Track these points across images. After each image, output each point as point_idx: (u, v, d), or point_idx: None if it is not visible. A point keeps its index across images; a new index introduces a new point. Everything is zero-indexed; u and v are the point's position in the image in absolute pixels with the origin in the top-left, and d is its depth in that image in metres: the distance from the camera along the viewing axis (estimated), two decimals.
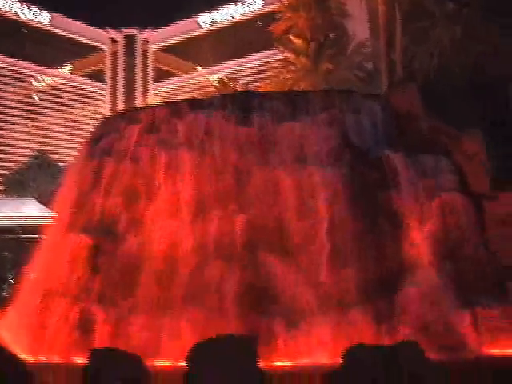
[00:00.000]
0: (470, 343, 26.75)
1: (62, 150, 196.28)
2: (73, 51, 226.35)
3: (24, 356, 27.68)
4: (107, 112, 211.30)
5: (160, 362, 26.17)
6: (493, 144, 31.31)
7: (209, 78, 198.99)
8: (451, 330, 26.91)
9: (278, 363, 25.53)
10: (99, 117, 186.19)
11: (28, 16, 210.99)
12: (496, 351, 26.23)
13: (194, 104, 36.07)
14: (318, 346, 26.64)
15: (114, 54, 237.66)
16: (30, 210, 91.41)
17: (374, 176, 30.42)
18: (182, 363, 23.21)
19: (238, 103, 33.61)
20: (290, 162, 31.01)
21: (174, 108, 35.57)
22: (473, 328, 27.07)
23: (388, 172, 30.46)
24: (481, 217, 30.03)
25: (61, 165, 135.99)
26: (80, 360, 26.20)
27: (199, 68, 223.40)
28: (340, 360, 20.99)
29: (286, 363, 25.79)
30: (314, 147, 31.55)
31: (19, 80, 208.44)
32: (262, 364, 22.45)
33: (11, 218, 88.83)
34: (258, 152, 31.50)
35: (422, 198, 30.06)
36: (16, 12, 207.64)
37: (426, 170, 30.85)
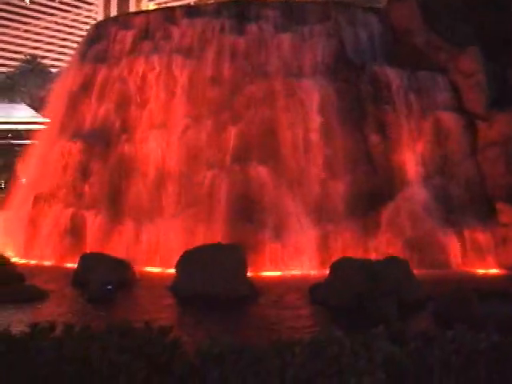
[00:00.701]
0: (454, 261, 27.17)
1: (54, 55, 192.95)
2: None
3: (16, 259, 28.07)
4: (100, 17, 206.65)
5: (150, 268, 26.55)
6: (491, 63, 30.96)
7: None
8: (437, 248, 27.23)
9: (266, 273, 25.90)
10: (92, 21, 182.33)
11: None
12: (480, 270, 26.67)
13: (189, 10, 35.35)
14: (306, 257, 27.00)
15: None
16: (21, 115, 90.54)
17: (368, 90, 30.12)
18: (171, 270, 23.68)
19: (235, 11, 32.92)
20: (285, 73, 30.63)
21: (168, 14, 34.84)
22: (458, 247, 27.42)
23: (383, 87, 30.17)
24: (473, 137, 29.96)
25: (53, 70, 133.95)
26: (71, 264, 26.60)
27: None
28: (327, 272, 21.41)
29: (274, 273, 26.15)
30: (310, 59, 31.15)
31: None
32: (250, 272, 22.94)
33: (2, 122, 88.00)
34: (252, 62, 31.05)
35: (415, 115, 29.91)
36: None
37: (421, 86, 30.57)
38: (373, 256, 25.62)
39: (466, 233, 27.70)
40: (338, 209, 28.18)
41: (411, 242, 27.12)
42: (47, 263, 28.81)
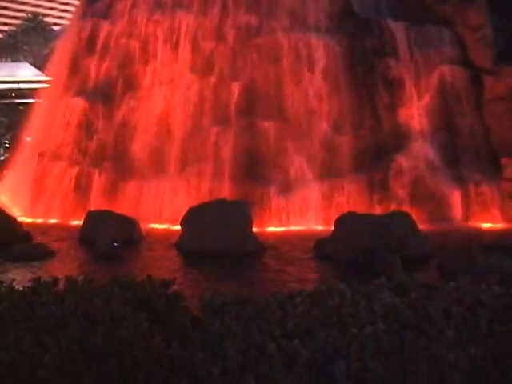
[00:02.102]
0: (459, 216, 27.23)
1: (56, 13, 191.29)
2: None
3: (22, 218, 28.19)
4: None
5: (155, 225, 26.66)
6: (497, 17, 30.56)
7: None
8: (442, 202, 27.30)
9: (271, 228, 26.01)
10: None
11: None
12: (485, 225, 26.73)
13: None
14: (311, 212, 27.09)
15: None
16: (24, 74, 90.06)
17: (373, 45, 29.82)
18: (177, 227, 23.76)
19: None
20: (290, 27, 30.33)
21: None
22: (463, 202, 27.45)
23: (388, 41, 29.87)
24: (480, 91, 29.72)
25: (55, 28, 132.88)
26: (77, 222, 26.71)
27: None
28: (332, 227, 21.45)
29: (279, 229, 26.26)
30: (315, 14, 30.79)
31: None
32: (255, 228, 23.00)
33: (5, 81, 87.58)
34: (257, 16, 30.70)
35: (420, 69, 29.66)
36: None
37: (426, 40, 30.23)
38: (378, 211, 25.71)
39: (471, 187, 27.71)
40: (343, 164, 28.17)
41: (416, 196, 27.17)
42: (53, 221, 28.96)
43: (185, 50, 30.90)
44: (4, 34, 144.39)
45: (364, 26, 30.27)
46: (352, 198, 27.09)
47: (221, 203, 22.34)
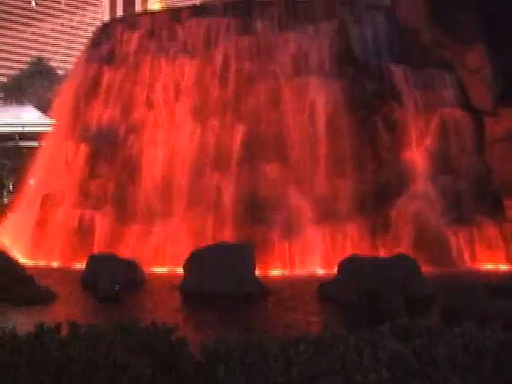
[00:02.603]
0: (462, 258, 27.09)
1: (61, 57, 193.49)
2: None
3: (24, 260, 28.12)
4: (106, 18, 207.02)
5: (158, 268, 26.55)
6: (496, 59, 30.81)
7: None
8: (445, 245, 27.17)
9: (274, 271, 25.89)
10: (98, 23, 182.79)
11: None
12: (489, 266, 26.59)
13: (195, 10, 35.36)
14: (314, 256, 26.98)
15: None
16: (28, 117, 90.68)
17: (374, 88, 30.06)
18: (179, 270, 23.67)
19: (240, 10, 32.94)
20: (291, 72, 30.63)
21: (174, 14, 34.93)
22: (466, 244, 27.34)
23: (389, 85, 30.11)
24: (480, 133, 29.84)
25: (59, 71, 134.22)
26: (79, 265, 26.63)
27: None
28: (335, 270, 21.37)
29: (282, 271, 26.14)
30: (316, 58, 31.12)
31: None
32: (258, 271, 22.90)
33: (10, 124, 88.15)
34: (259, 61, 31.05)
35: (421, 112, 29.82)
36: None
37: (427, 83, 30.47)
38: (381, 253, 25.62)
39: (475, 229, 27.65)
40: (346, 207, 28.10)
41: (419, 239, 27.05)
42: (55, 264, 28.88)
43: (187, 95, 31.16)
44: (9, 77, 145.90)
45: (365, 69, 30.58)
46: (355, 241, 27.01)
47: (223, 246, 22.33)
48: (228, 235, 26.08)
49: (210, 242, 24.08)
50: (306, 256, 26.91)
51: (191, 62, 31.50)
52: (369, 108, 29.73)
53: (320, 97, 29.64)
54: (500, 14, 31.68)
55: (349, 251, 24.79)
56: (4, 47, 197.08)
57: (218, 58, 31.17)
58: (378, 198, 28.24)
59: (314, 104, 29.69)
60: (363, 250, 25.62)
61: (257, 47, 31.31)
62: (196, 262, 21.79)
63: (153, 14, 36.51)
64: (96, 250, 27.29)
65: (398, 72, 30.35)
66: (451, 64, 31.26)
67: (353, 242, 27.01)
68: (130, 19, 38.54)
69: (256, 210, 27.81)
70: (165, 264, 26.95)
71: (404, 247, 26.18)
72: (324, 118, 29.45)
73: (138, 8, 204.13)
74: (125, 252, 25.87)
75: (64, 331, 6.59)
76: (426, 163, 28.95)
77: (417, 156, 29.05)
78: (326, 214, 27.92)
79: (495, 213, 28.23)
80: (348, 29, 31.99)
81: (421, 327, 6.20)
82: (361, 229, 27.36)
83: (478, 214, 28.10)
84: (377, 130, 29.39)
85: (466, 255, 27.29)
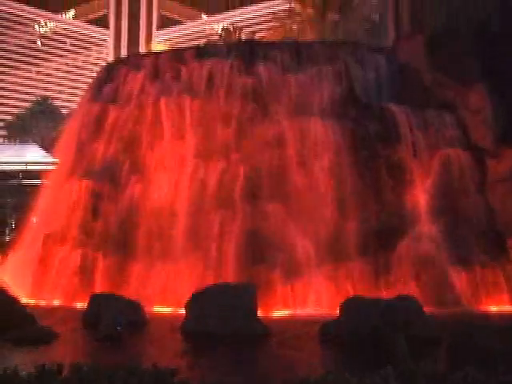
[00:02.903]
0: (465, 299, 26.96)
1: (65, 96, 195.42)
2: None
3: (26, 299, 28.02)
4: (110, 58, 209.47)
5: (160, 308, 26.45)
6: (497, 100, 31.06)
7: (214, 26, 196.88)
8: (448, 286, 27.08)
9: (277, 312, 25.76)
10: (102, 63, 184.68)
11: None
12: (492, 308, 26.44)
13: (198, 52, 35.76)
14: (316, 296, 26.87)
15: None
16: (31, 156, 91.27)
17: (376, 130, 30.28)
18: (181, 310, 23.57)
19: (243, 52, 33.34)
20: (294, 113, 30.87)
21: (178, 55, 35.32)
22: (469, 285, 27.23)
23: (391, 125, 30.33)
24: (482, 173, 29.95)
25: (63, 111, 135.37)
26: (80, 304, 26.53)
27: (204, 16, 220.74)
28: (338, 311, 21.28)
29: (285, 312, 26.01)
30: (318, 99, 31.38)
31: (22, 25, 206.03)
32: (260, 311, 22.80)
33: (13, 163, 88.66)
34: (261, 102, 31.34)
35: (423, 153, 29.99)
36: None
37: (428, 124, 30.71)
38: (384, 294, 25.48)
39: (477, 269, 27.55)
40: (349, 247, 28.08)
41: (422, 279, 26.99)
42: (57, 303, 28.78)
43: (190, 135, 31.40)
44: (13, 116, 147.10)
45: (367, 111, 30.86)
46: (358, 282, 26.93)
47: (225, 286, 22.26)
48: (230, 275, 26.03)
49: (212, 282, 24.01)
50: (309, 296, 26.79)
51: (194, 103, 31.78)
52: (371, 149, 29.90)
53: (322, 138, 29.85)
54: (501, 54, 32.06)
55: (351, 292, 24.73)
56: (9, 86, 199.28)
57: (221, 99, 31.46)
58: (380, 238, 28.23)
59: (316, 145, 29.88)
60: (366, 290, 25.52)
61: (259, 88, 31.62)
62: (198, 302, 21.70)
63: (156, 54, 36.83)
64: (98, 290, 27.19)
65: (399, 113, 30.60)
66: (452, 104, 31.53)
67: (355, 282, 26.93)
68: (134, 60, 38.93)
69: (258, 250, 27.79)
70: (167, 304, 26.84)
71: (407, 288, 26.09)
72: (326, 159, 29.59)
73: (142, 49, 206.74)
74: (127, 292, 25.78)
75: (65, 372, 6.58)
76: (428, 203, 29.00)
77: (419, 196, 29.12)
78: (329, 255, 27.88)
79: (498, 253, 28.18)
80: (350, 71, 32.34)
81: (423, 371, 6.18)
82: (363, 269, 27.31)
83: (481, 254, 28.04)
84: (379, 170, 29.53)
85: (469, 296, 27.14)
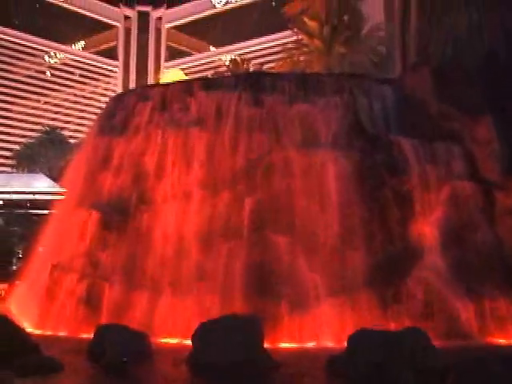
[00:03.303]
0: (474, 332, 26.76)
1: (73, 126, 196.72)
2: (86, 27, 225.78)
3: (31, 329, 27.96)
4: (119, 89, 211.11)
5: (166, 340, 26.33)
6: (504, 132, 31.10)
7: (221, 57, 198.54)
8: (456, 319, 26.91)
9: (284, 344, 25.60)
10: (111, 94, 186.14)
11: None
12: (502, 340, 26.25)
13: (206, 83, 36.01)
14: (324, 329, 26.70)
15: (127, 30, 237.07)
16: (39, 185, 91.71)
17: (384, 161, 30.33)
18: (188, 341, 23.44)
19: (250, 84, 33.54)
20: (301, 144, 30.96)
21: (186, 86, 35.54)
22: (478, 317, 27.05)
23: (398, 157, 30.38)
24: (490, 205, 29.88)
25: (72, 141, 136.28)
26: (86, 335, 26.43)
27: (212, 48, 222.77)
28: (345, 344, 21.12)
29: (292, 345, 25.85)
30: (325, 130, 31.47)
31: (32, 55, 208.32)
32: (267, 344, 22.66)
33: (21, 192, 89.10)
34: (269, 133, 31.46)
35: (431, 185, 29.95)
36: None
37: (436, 156, 30.72)
38: (391, 326, 25.32)
39: (486, 302, 27.35)
40: (356, 279, 27.94)
41: (430, 311, 26.83)
42: (63, 334, 28.69)
43: (197, 166, 31.47)
44: (22, 145, 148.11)
45: (374, 142, 30.93)
46: (365, 314, 26.75)
47: (232, 318, 22.12)
48: (237, 307, 25.88)
49: (218, 314, 23.89)
50: (316, 329, 26.64)
51: (202, 134, 31.92)
52: (378, 180, 29.92)
53: (330, 168, 29.87)
54: (507, 86, 32.19)
55: (359, 324, 24.49)
56: (18, 115, 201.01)
57: (229, 130, 31.59)
58: (388, 270, 28.10)
59: (323, 176, 29.89)
60: (373, 322, 25.37)
61: (267, 119, 31.76)
62: (204, 333, 21.58)
63: (165, 86, 37.10)
64: (104, 321, 27.11)
65: (407, 144, 30.64)
66: (460, 136, 31.52)
67: (363, 314, 26.76)
68: (143, 91, 39.27)
69: (265, 282, 27.69)
70: (174, 335, 26.74)
71: (414, 320, 25.93)
72: (334, 190, 29.57)
73: (151, 80, 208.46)
74: (133, 322, 25.68)
75: None
76: (435, 235, 28.88)
77: (427, 228, 29.03)
78: (336, 287, 27.75)
79: (508, 286, 28.00)
80: (357, 102, 32.47)
81: None
82: (371, 301, 27.15)
83: (489, 286, 27.86)
84: (386, 202, 29.50)
85: (478, 329, 26.94)
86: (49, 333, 28.73)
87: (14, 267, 61.21)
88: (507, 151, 30.79)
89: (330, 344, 25.48)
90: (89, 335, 25.12)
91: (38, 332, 28.21)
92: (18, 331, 23.15)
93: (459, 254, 28.82)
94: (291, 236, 28.81)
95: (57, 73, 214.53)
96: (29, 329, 27.44)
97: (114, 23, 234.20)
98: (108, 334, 23.17)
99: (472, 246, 29.12)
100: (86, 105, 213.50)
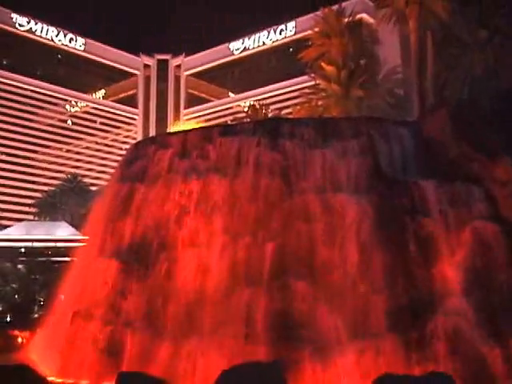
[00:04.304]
0: (500, 376, 26.29)
1: (94, 174, 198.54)
2: (106, 76, 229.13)
3: (52, 378, 27.87)
4: (139, 137, 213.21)
5: None
6: None
7: (240, 103, 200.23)
8: (482, 362, 26.46)
9: None
10: (131, 141, 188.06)
11: (63, 42, 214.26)
12: None
13: (225, 130, 36.31)
14: (347, 374, 26.38)
15: (147, 78, 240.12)
16: (61, 233, 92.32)
17: (404, 203, 30.22)
18: None
19: (269, 129, 33.73)
20: (320, 188, 30.99)
21: (205, 133, 35.84)
22: (504, 361, 26.59)
23: (418, 200, 30.27)
24: None
25: (93, 188, 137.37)
26: (108, 383, 26.31)
27: (231, 94, 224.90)
28: None
29: None
30: (345, 174, 31.50)
31: (54, 104, 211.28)
32: None
33: (43, 240, 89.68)
34: (288, 178, 31.55)
35: (452, 226, 29.74)
36: (51, 38, 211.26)
37: (456, 197, 30.56)
38: (416, 371, 24.97)
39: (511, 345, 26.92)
40: (378, 324, 27.66)
41: (454, 355, 26.42)
42: (84, 382, 28.57)
43: (218, 213, 31.56)
44: (44, 193, 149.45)
45: (393, 185, 30.87)
46: (388, 359, 26.38)
47: (254, 365, 21.98)
48: (259, 354, 25.70)
49: (240, 360, 23.72)
50: (339, 374, 26.32)
51: (222, 180, 32.08)
52: (399, 223, 29.76)
53: (349, 213, 29.82)
54: None
55: (382, 369, 24.20)
56: (40, 164, 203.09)
57: (249, 176, 31.73)
58: (410, 313, 27.79)
59: (343, 220, 29.84)
60: (397, 367, 25.06)
61: (286, 164, 31.89)
62: (227, 381, 21.43)
63: (184, 133, 37.45)
64: (126, 369, 27.01)
65: (426, 187, 30.53)
66: (479, 177, 31.41)
67: (386, 359, 26.40)
68: (162, 138, 39.61)
69: (287, 328, 27.51)
70: (196, 383, 26.54)
71: (439, 364, 25.57)
72: (354, 234, 29.49)
73: (170, 127, 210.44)
74: (155, 370, 25.59)
75: None
76: (458, 278, 28.58)
77: (449, 271, 28.76)
78: (358, 331, 27.48)
79: None
80: (375, 145, 32.54)
81: None
82: (394, 346, 26.80)
83: None
84: (407, 245, 29.30)
85: (505, 372, 26.45)
86: (70, 381, 28.63)
87: (36, 315, 61.29)
88: None
89: None
90: (110, 383, 25.02)
91: (59, 380, 28.13)
92: (40, 380, 23.13)
93: (483, 296, 28.47)
94: (312, 281, 28.67)
95: (78, 121, 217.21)
96: (50, 377, 27.36)
97: (133, 71, 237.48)
98: (130, 381, 23.08)
99: (495, 287, 28.78)
100: (108, 152, 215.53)
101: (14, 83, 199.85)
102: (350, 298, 28.37)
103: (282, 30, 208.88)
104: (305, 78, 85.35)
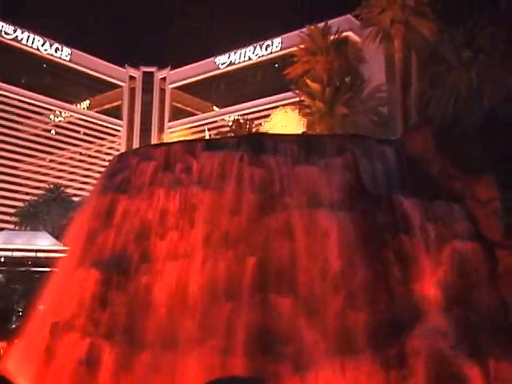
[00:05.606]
0: None
1: (77, 185, 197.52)
2: (91, 87, 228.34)
3: None
4: (123, 148, 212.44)
5: None
6: (505, 191, 31.18)
7: (224, 118, 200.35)
8: (460, 380, 26.52)
9: None
10: (115, 152, 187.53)
11: (49, 51, 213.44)
12: None
13: (208, 143, 36.36)
14: None
15: (132, 90, 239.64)
16: (41, 243, 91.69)
17: (386, 221, 30.32)
18: None
19: (253, 144, 33.77)
20: (303, 204, 31.03)
21: (189, 147, 35.82)
22: (483, 379, 26.66)
23: (400, 217, 30.39)
24: (493, 265, 29.76)
25: (75, 199, 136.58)
26: None
27: (215, 108, 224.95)
28: None
29: None
30: (327, 191, 31.56)
31: (38, 114, 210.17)
32: None
33: (23, 249, 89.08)
34: (271, 194, 31.57)
35: (433, 245, 29.87)
36: (37, 47, 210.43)
37: (437, 216, 30.71)
38: None
39: (491, 363, 26.98)
40: (358, 340, 27.68)
41: (433, 373, 26.46)
42: None
43: (200, 226, 31.52)
44: (25, 203, 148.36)
45: (376, 202, 30.97)
46: (368, 375, 26.42)
47: (234, 380, 21.93)
48: (238, 368, 25.64)
49: (220, 375, 23.67)
50: None
51: (204, 194, 32.05)
52: (380, 240, 29.86)
53: (331, 229, 29.86)
54: (508, 145, 32.38)
55: None
56: (22, 173, 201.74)
57: (231, 190, 31.72)
58: (390, 330, 27.84)
59: (325, 236, 29.88)
60: (376, 383, 25.06)
61: (269, 180, 31.92)
62: None
63: (168, 145, 37.42)
64: (105, 380, 26.83)
65: (409, 204, 30.64)
66: (461, 195, 31.58)
67: (366, 376, 26.43)
68: (146, 150, 39.49)
69: (267, 343, 27.45)
70: None
71: (418, 381, 25.60)
72: (335, 250, 29.52)
73: (154, 139, 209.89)
74: (134, 382, 25.44)
75: None
76: (438, 296, 28.70)
77: (429, 289, 28.86)
78: (338, 348, 27.47)
79: (510, 346, 27.69)
80: (358, 162, 32.66)
81: None
82: (374, 362, 26.81)
83: (495, 348, 27.52)
84: (388, 262, 29.39)
85: None
86: None
87: (14, 325, 60.75)
88: (509, 210, 30.80)
89: None
90: None
91: None
92: None
93: (462, 314, 28.59)
94: (293, 296, 28.66)
95: (62, 131, 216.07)
96: None
97: (119, 83, 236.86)
98: None
99: (475, 306, 28.90)
100: (91, 163, 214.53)
101: None
102: (330, 314, 28.38)
103: (268, 46, 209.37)
104: (289, 94, 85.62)
